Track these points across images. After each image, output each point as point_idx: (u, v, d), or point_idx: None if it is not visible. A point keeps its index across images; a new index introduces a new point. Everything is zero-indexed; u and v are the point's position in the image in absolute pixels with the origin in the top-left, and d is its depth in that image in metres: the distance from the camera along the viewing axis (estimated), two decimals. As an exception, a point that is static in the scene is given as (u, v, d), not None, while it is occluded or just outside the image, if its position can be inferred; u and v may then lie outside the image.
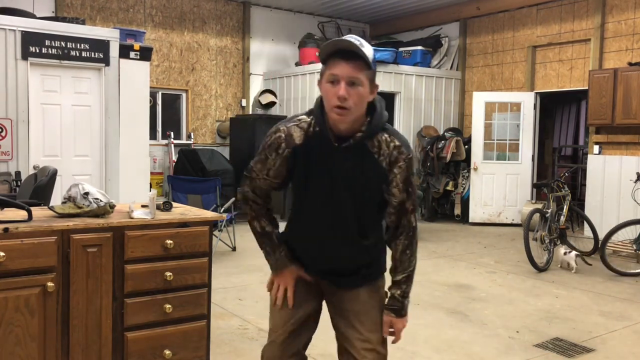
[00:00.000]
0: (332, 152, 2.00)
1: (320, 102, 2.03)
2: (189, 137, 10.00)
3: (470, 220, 9.51)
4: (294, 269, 2.21)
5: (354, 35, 1.94)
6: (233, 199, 7.24)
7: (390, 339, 2.23)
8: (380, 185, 2.04)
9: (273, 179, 2.11)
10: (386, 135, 2.02)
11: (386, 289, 2.22)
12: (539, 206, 7.18)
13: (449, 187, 9.72)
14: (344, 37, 1.92)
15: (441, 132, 10.04)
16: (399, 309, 2.17)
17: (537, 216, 6.53)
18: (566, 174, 7.60)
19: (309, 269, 2.23)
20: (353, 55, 1.88)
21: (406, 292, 2.17)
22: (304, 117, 2.06)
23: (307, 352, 3.56)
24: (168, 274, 2.65)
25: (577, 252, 6.41)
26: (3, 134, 6.22)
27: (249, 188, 2.17)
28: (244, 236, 7.94)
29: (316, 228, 2.14)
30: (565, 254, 6.38)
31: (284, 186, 2.15)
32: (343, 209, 2.07)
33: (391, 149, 2.01)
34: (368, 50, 1.91)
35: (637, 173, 7.10)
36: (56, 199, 4.15)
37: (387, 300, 2.19)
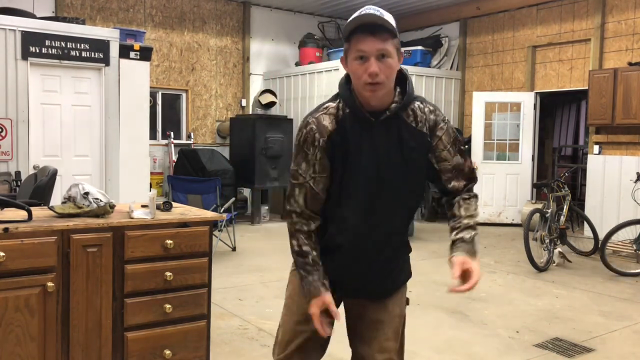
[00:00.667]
0: (369, 129, 1.90)
1: (345, 82, 1.96)
2: (189, 137, 10.00)
3: (470, 220, 9.49)
4: (327, 297, 1.96)
5: (372, 7, 1.86)
6: (233, 198, 7.24)
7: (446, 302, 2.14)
8: (425, 154, 1.96)
9: (320, 174, 1.93)
10: (418, 103, 1.96)
11: (451, 238, 2.02)
12: (539, 206, 7.18)
13: (449, 187, 9.71)
14: (364, 11, 1.83)
15: (441, 132, 10.03)
16: (471, 250, 1.95)
17: (537, 216, 6.53)
18: (566, 174, 7.60)
19: (338, 286, 2.05)
20: (378, 27, 1.80)
21: (474, 238, 1.98)
22: (330, 103, 1.97)
23: (307, 352, 3.52)
24: (168, 274, 2.65)
25: (560, 250, 6.48)
26: (3, 134, 6.22)
27: (301, 198, 1.95)
28: (244, 236, 7.94)
29: (358, 216, 1.95)
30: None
31: (331, 183, 1.97)
32: (389, 187, 1.93)
33: (427, 114, 1.95)
34: (389, 18, 1.83)
35: (637, 173, 7.10)
36: (56, 199, 4.16)
37: (453, 246, 1.98)
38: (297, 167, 1.96)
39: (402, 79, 1.94)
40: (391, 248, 2.05)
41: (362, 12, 1.83)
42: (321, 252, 2.01)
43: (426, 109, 1.95)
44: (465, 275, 1.89)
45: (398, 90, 1.93)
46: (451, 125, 2.01)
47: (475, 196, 2.06)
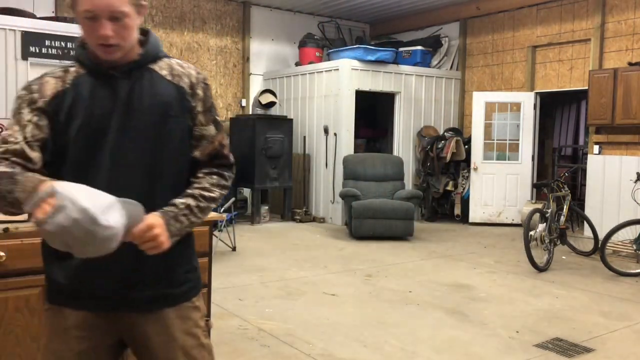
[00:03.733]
0: (109, 85, 1.60)
1: (80, 40, 1.66)
2: (189, 137, 9.98)
3: (470, 220, 9.51)
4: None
5: None
6: (233, 198, 7.24)
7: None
8: (184, 113, 1.66)
9: (35, 139, 1.56)
10: (176, 60, 1.73)
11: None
12: (539, 206, 7.18)
13: (449, 187, 9.72)
14: None
15: (441, 132, 10.05)
16: (172, 215, 1.58)
17: (537, 216, 6.53)
18: (566, 174, 7.60)
19: (84, 295, 1.61)
20: None
21: (189, 206, 1.62)
22: (57, 69, 1.67)
23: (306, 352, 3.57)
24: (168, 274, 2.65)
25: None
26: (3, 134, 6.23)
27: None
28: (244, 236, 7.94)
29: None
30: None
31: (47, 150, 1.59)
32: (139, 152, 1.60)
33: (187, 69, 1.70)
34: None
35: (637, 173, 7.10)
36: (56, 199, 4.15)
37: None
38: (11, 131, 1.57)
39: (142, 33, 1.70)
40: None
41: None
42: (50, 253, 1.60)
43: (186, 65, 1.72)
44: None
45: (143, 43, 1.68)
46: (210, 90, 1.76)
47: (219, 174, 1.73)
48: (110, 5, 1.50)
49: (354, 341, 3.91)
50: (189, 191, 1.66)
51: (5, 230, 2.31)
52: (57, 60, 6.46)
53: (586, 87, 8.31)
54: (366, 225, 7.89)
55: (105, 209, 1.39)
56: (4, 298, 2.32)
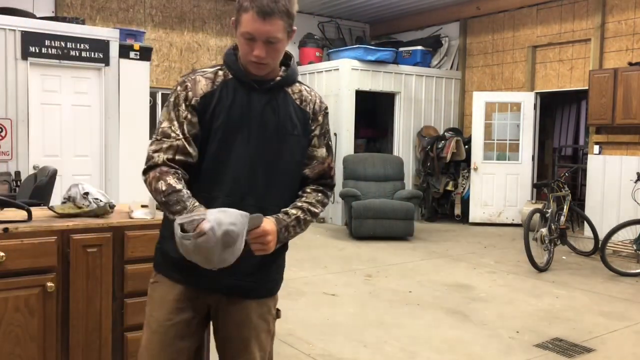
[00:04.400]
0: (250, 95, 1.84)
1: (233, 48, 1.89)
2: (189, 137, 9.98)
3: (470, 220, 9.50)
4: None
5: None
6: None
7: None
8: (305, 134, 1.91)
9: (190, 134, 1.80)
10: (305, 87, 1.98)
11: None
12: (539, 206, 7.18)
13: (449, 187, 9.72)
14: None
15: (441, 132, 10.04)
16: (285, 225, 1.81)
17: (537, 216, 6.53)
18: (566, 174, 7.60)
19: (192, 274, 1.81)
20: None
21: (298, 217, 1.86)
22: (208, 68, 1.89)
23: (306, 352, 3.57)
24: (168, 274, 2.65)
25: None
26: (3, 134, 6.22)
27: (165, 155, 1.78)
28: (244, 236, 7.94)
29: (223, 189, 1.81)
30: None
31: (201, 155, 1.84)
32: (267, 161, 1.85)
33: (314, 97, 1.96)
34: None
35: (637, 173, 7.09)
36: (56, 199, 4.15)
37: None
38: (170, 124, 1.81)
39: (286, 56, 1.92)
40: None
41: None
42: (169, 229, 1.80)
43: (313, 93, 1.98)
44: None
45: (283, 68, 1.92)
46: (328, 119, 2.02)
47: (324, 192, 1.96)
48: (269, 32, 1.73)
49: (354, 341, 3.91)
50: (299, 204, 1.89)
51: (5, 230, 2.31)
52: (57, 60, 6.46)
53: (586, 87, 8.31)
54: (366, 225, 7.88)
55: (242, 228, 1.62)
56: (4, 298, 2.32)
